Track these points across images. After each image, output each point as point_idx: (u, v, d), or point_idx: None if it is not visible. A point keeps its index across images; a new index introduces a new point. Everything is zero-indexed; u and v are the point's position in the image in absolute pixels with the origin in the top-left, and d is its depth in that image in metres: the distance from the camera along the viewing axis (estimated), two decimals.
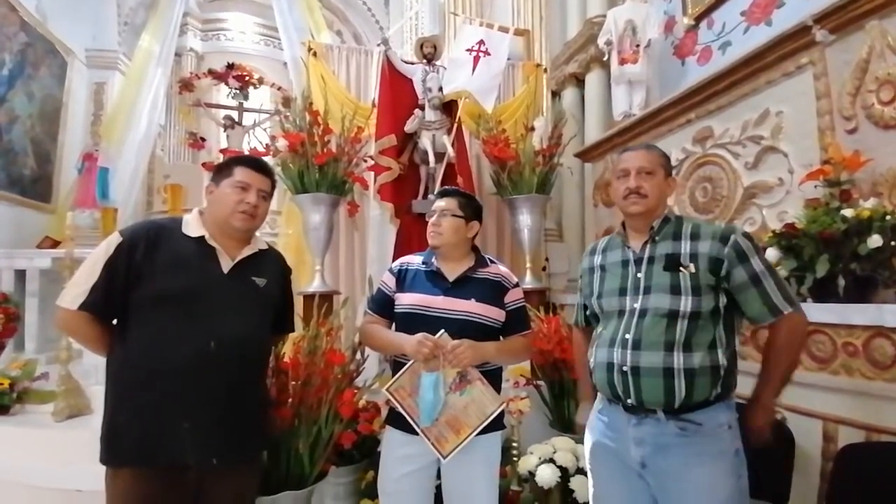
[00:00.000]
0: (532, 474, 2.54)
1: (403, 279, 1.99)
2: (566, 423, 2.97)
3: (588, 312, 1.82)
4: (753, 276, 1.52)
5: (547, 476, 2.48)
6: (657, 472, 1.54)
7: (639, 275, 1.62)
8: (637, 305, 1.59)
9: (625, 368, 1.56)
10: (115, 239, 1.62)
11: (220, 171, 1.76)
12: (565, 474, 2.50)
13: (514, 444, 2.77)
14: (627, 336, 1.57)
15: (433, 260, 1.98)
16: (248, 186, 1.72)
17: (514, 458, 2.70)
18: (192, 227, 1.70)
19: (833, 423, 2.12)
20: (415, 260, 2.04)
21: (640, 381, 1.53)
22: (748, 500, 1.56)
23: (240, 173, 1.73)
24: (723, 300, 1.55)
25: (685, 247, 1.58)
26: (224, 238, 1.71)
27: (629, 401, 1.57)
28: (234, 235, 1.73)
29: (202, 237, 1.68)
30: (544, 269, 4.71)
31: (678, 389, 1.49)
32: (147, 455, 1.54)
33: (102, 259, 1.58)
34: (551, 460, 2.55)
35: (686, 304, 1.51)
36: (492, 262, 2.04)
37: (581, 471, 2.43)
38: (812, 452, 2.17)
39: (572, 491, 2.46)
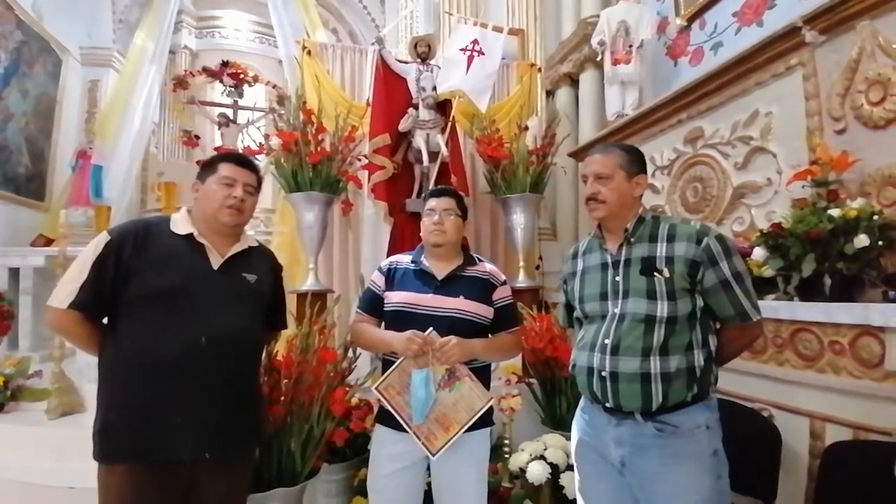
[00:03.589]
0: (523, 471, 2.56)
1: (392, 278, 2.01)
2: (557, 421, 2.99)
3: (574, 315, 1.82)
4: (723, 281, 1.52)
5: (537, 472, 2.50)
6: (636, 471, 1.55)
7: (617, 278, 1.62)
8: (617, 310, 1.59)
9: (604, 373, 1.57)
10: (103, 238, 1.63)
11: (206, 169, 1.78)
12: (556, 471, 2.52)
13: (506, 442, 2.79)
14: (606, 341, 1.57)
15: (422, 258, 2.00)
16: (233, 182, 1.73)
17: (506, 455, 2.72)
18: (181, 224, 1.71)
19: (820, 421, 2.14)
20: (404, 259, 2.06)
21: (618, 386, 1.54)
22: (729, 499, 1.57)
23: (225, 169, 1.74)
24: (699, 302, 1.55)
25: (661, 249, 1.57)
26: (213, 235, 1.73)
27: (608, 404, 1.58)
28: (223, 231, 1.75)
29: (191, 234, 1.70)
30: (538, 267, 4.73)
31: (655, 394, 1.50)
32: (141, 451, 1.55)
33: (91, 258, 1.59)
34: (542, 457, 2.57)
35: (662, 309, 1.52)
36: (479, 260, 2.07)
37: (571, 467, 2.45)
38: (799, 450, 2.18)
39: (562, 487, 2.49)
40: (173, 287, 1.61)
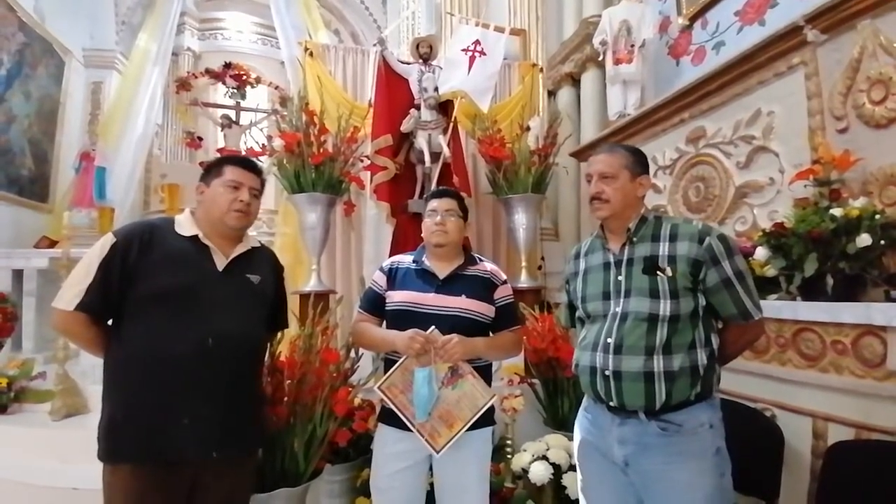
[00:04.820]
0: (525, 471, 2.56)
1: (394, 277, 2.02)
2: (560, 421, 2.99)
3: (577, 315, 1.82)
4: (725, 280, 1.53)
5: (540, 473, 2.50)
6: (639, 470, 1.55)
7: (619, 277, 1.63)
8: (619, 309, 1.59)
9: (607, 372, 1.57)
10: (108, 239, 1.64)
11: (210, 172, 1.79)
12: (558, 471, 2.52)
13: (509, 442, 2.79)
14: (609, 340, 1.58)
15: (423, 258, 2.02)
16: (240, 185, 1.75)
17: (508, 456, 2.72)
18: (185, 226, 1.73)
19: (823, 421, 2.13)
20: (405, 259, 2.07)
21: (621, 384, 1.54)
22: (732, 497, 1.57)
23: (231, 172, 1.75)
24: (701, 301, 1.56)
25: (663, 249, 1.58)
26: (217, 237, 1.74)
27: (612, 403, 1.59)
28: (228, 234, 1.76)
29: (195, 236, 1.71)
30: (540, 268, 4.73)
31: (658, 392, 1.50)
32: (147, 451, 1.56)
33: (97, 260, 1.60)
34: (544, 457, 2.57)
35: (665, 307, 1.52)
36: (480, 259, 2.08)
37: (574, 467, 2.45)
38: (802, 450, 2.18)
39: (565, 487, 2.49)
40: (179, 288, 1.63)
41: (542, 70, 5.00)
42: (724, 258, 1.53)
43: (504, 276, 2.07)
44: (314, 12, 6.55)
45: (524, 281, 4.04)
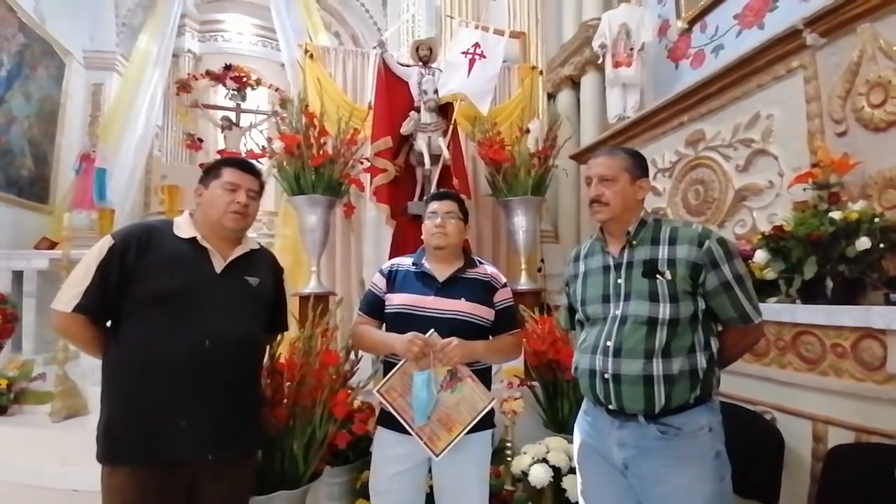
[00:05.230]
0: (525, 474, 2.56)
1: (394, 280, 2.02)
2: (560, 424, 2.99)
3: (576, 318, 1.82)
4: (724, 283, 1.53)
5: (540, 476, 2.50)
6: (639, 474, 1.55)
7: (619, 280, 1.63)
8: (618, 312, 1.60)
9: (606, 376, 1.57)
10: (107, 242, 1.65)
11: (209, 174, 1.80)
12: (558, 474, 2.52)
13: (508, 444, 2.79)
14: (608, 343, 1.58)
15: (423, 261, 2.02)
16: (237, 187, 1.75)
17: (508, 458, 2.72)
18: (183, 228, 1.73)
19: (823, 424, 2.13)
20: (405, 261, 2.07)
21: (620, 388, 1.54)
22: (732, 501, 1.57)
23: (228, 174, 1.76)
24: (701, 305, 1.56)
25: (663, 252, 1.58)
26: (216, 239, 1.74)
27: (611, 406, 1.59)
28: (226, 236, 1.77)
29: (194, 238, 1.71)
30: (540, 270, 4.73)
31: (658, 396, 1.50)
32: (144, 452, 1.57)
33: (95, 262, 1.61)
34: (544, 460, 2.57)
35: (664, 311, 1.53)
36: (480, 262, 2.08)
37: (573, 470, 2.45)
38: (802, 453, 2.18)
39: (565, 490, 2.49)
40: (177, 290, 1.63)
41: (541, 73, 5.00)
42: (723, 262, 1.53)
43: (504, 280, 2.08)
44: (314, 15, 6.55)
45: (524, 283, 4.03)
